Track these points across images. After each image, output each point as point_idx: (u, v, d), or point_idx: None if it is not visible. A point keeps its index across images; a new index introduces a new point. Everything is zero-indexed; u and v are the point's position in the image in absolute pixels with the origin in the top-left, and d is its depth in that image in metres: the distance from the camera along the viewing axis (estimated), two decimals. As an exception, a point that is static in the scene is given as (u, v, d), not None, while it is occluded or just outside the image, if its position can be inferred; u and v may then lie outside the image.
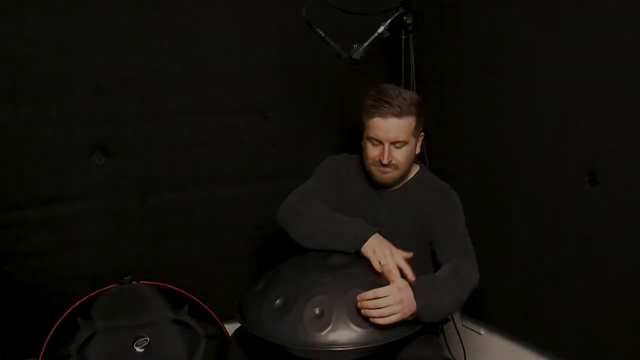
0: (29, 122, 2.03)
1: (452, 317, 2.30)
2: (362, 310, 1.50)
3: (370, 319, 1.50)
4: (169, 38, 2.18)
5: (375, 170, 1.89)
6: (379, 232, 1.75)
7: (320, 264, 1.70)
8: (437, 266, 1.83)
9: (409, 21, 2.25)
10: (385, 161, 1.84)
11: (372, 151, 1.86)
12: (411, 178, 1.96)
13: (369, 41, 2.09)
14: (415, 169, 1.99)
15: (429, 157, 2.36)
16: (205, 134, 2.28)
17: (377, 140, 1.84)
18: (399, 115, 1.80)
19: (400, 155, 1.85)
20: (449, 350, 2.42)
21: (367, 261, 1.70)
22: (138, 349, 1.91)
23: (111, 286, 2.06)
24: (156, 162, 2.22)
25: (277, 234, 2.16)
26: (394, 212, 1.93)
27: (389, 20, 2.13)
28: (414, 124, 1.84)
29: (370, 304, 1.49)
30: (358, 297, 1.51)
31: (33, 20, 2.00)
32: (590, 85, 1.75)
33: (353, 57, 2.07)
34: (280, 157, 2.41)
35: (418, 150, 1.93)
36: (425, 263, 1.89)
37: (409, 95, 1.85)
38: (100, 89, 2.11)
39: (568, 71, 1.82)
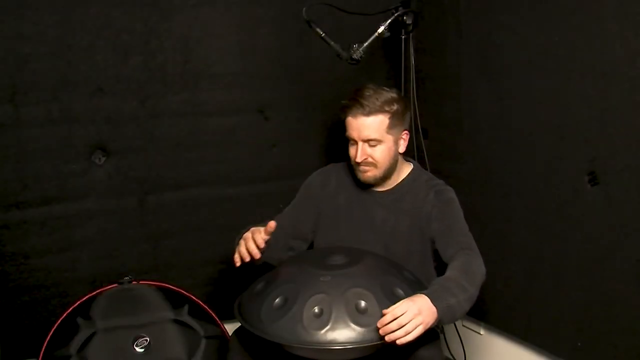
0: (29, 122, 2.03)
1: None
2: (388, 337, 1.46)
3: (398, 342, 1.45)
4: (169, 38, 2.18)
5: (357, 170, 1.92)
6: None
7: (319, 263, 1.70)
8: (438, 263, 1.83)
9: (409, 21, 2.25)
10: (358, 159, 1.87)
11: (350, 151, 1.91)
12: (405, 177, 1.97)
13: (369, 41, 2.09)
14: (409, 167, 2.00)
15: (429, 157, 2.36)
16: (205, 134, 2.28)
17: (353, 140, 1.88)
18: (368, 114, 1.83)
19: (376, 154, 1.87)
20: (449, 350, 2.42)
21: (368, 262, 1.71)
22: (138, 349, 1.90)
23: (111, 286, 2.06)
24: (156, 162, 2.23)
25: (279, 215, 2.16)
26: (390, 212, 1.93)
27: (389, 20, 2.13)
28: (387, 122, 1.85)
29: (393, 324, 1.45)
30: (378, 324, 1.48)
31: (33, 20, 2.00)
32: (590, 85, 1.76)
33: (353, 57, 2.08)
34: (280, 157, 2.41)
35: (403, 149, 1.93)
36: (427, 261, 1.89)
37: (386, 94, 1.86)
38: (100, 89, 2.11)
39: (568, 71, 1.82)
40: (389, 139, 1.86)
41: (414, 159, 2.39)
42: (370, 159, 1.87)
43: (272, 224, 1.73)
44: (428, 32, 2.36)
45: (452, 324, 2.35)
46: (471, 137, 2.23)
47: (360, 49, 2.07)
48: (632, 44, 1.63)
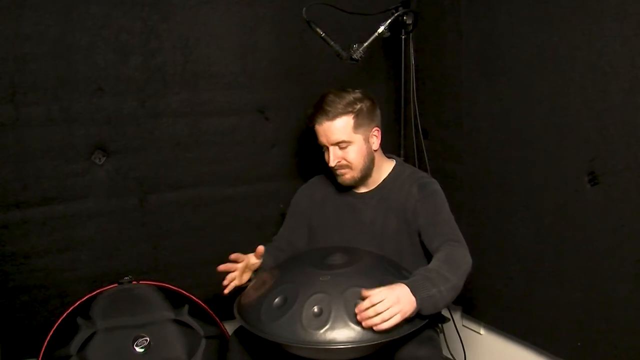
0: (29, 122, 2.03)
1: (452, 316, 2.30)
2: (364, 322, 1.49)
3: (375, 328, 1.49)
4: (169, 38, 2.18)
5: (336, 175, 1.95)
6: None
7: (318, 262, 1.71)
8: (429, 257, 1.83)
9: (409, 21, 2.25)
10: (332, 163, 1.90)
11: (325, 157, 1.94)
12: (388, 175, 1.98)
13: (369, 41, 2.09)
14: (391, 164, 2.01)
15: (429, 157, 2.36)
16: (205, 134, 2.28)
17: (324, 146, 1.92)
18: (332, 118, 1.87)
19: (349, 155, 1.89)
20: (449, 350, 2.42)
21: (368, 262, 1.71)
22: (138, 349, 1.91)
23: (111, 286, 2.06)
24: (156, 162, 2.22)
25: (276, 234, 2.16)
26: (376, 211, 1.94)
27: (389, 20, 2.13)
28: (352, 122, 1.88)
29: (370, 311, 1.48)
30: (356, 310, 1.51)
31: (33, 20, 1.99)
32: (590, 85, 1.76)
33: (353, 57, 2.08)
34: (280, 157, 2.41)
35: (376, 147, 1.95)
36: (417, 255, 1.89)
37: (348, 96, 1.89)
38: (100, 89, 2.11)
39: (568, 71, 1.82)
40: (358, 138, 1.89)
41: (414, 158, 2.40)
42: (344, 161, 1.90)
43: (260, 248, 1.80)
44: (428, 32, 2.36)
45: (452, 324, 2.34)
46: (471, 137, 2.23)
47: (360, 49, 2.07)
48: (632, 44, 1.63)
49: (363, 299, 1.51)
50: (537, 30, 1.91)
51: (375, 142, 1.94)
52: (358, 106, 1.89)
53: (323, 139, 1.91)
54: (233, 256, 1.79)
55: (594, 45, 1.73)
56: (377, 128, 1.95)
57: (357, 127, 1.88)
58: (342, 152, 1.89)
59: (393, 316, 1.49)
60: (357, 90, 1.93)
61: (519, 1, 1.97)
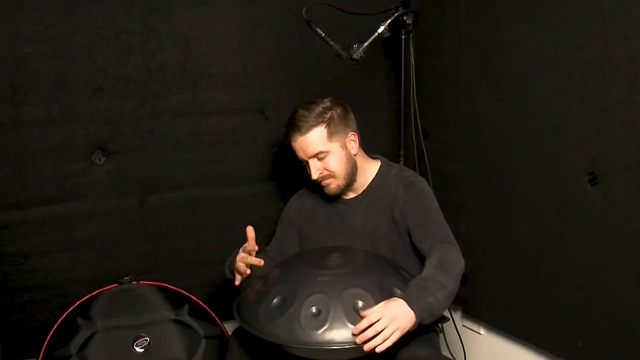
0: (29, 122, 2.03)
1: (452, 316, 2.30)
2: (366, 346, 1.47)
3: (377, 349, 1.47)
4: (169, 38, 2.18)
5: (321, 187, 1.95)
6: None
7: (317, 263, 1.71)
8: (421, 256, 1.82)
9: (409, 21, 2.26)
10: (314, 176, 1.90)
11: (307, 172, 1.93)
12: (375, 176, 1.97)
13: (369, 41, 2.09)
14: (376, 166, 2.00)
15: (429, 157, 2.36)
16: (205, 134, 2.28)
17: (303, 160, 1.92)
18: (305, 132, 1.87)
19: (329, 165, 1.89)
20: (449, 350, 2.42)
21: (366, 262, 1.70)
22: (138, 349, 1.91)
23: (111, 286, 2.06)
24: (156, 162, 2.22)
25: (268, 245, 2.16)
26: (367, 216, 1.94)
27: (389, 20, 2.13)
28: (325, 132, 1.88)
29: (369, 331, 1.47)
30: (354, 331, 1.49)
31: (33, 20, 2.00)
32: (590, 85, 1.75)
33: (353, 57, 2.08)
34: (280, 157, 2.41)
35: (355, 151, 1.94)
36: (411, 255, 1.89)
37: (316, 107, 1.89)
38: (100, 89, 2.11)
39: (568, 71, 1.82)
40: (334, 146, 1.89)
41: (414, 158, 2.40)
42: (325, 172, 1.90)
43: (249, 229, 1.79)
44: (428, 32, 2.36)
45: (452, 324, 2.34)
46: (471, 137, 2.22)
47: (360, 49, 2.07)
48: (632, 44, 1.63)
49: (362, 317, 1.50)
50: (537, 30, 1.91)
51: (354, 146, 1.93)
52: (328, 114, 1.88)
53: (301, 154, 1.91)
54: (250, 234, 1.79)
55: (594, 45, 1.73)
56: (353, 132, 1.94)
57: (331, 135, 1.88)
58: (321, 163, 1.89)
59: (393, 333, 1.48)
60: (326, 99, 1.93)
61: (519, 1, 1.96)
